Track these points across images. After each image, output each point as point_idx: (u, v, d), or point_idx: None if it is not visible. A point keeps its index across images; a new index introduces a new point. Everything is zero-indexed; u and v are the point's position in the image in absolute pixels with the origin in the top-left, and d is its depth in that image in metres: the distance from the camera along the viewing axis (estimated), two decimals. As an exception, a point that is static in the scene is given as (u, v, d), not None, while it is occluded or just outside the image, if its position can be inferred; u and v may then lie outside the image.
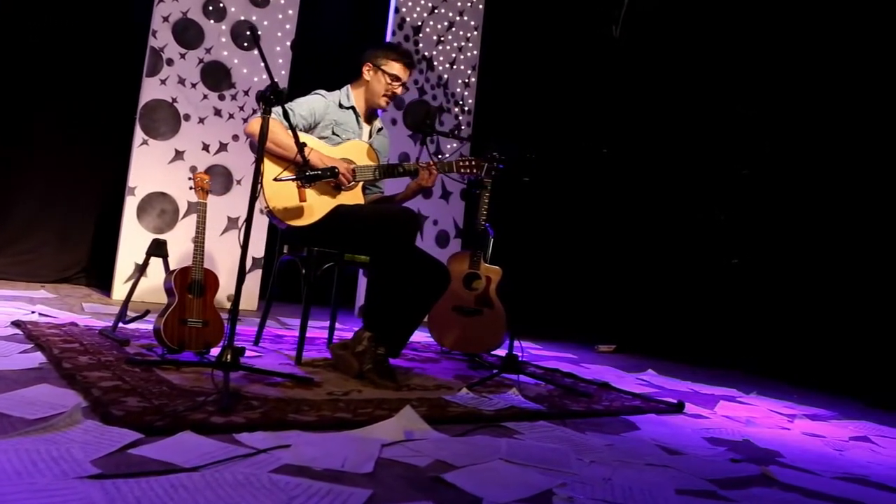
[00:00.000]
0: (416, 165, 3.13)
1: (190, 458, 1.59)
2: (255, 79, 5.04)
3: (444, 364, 3.57)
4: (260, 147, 2.38)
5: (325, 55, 5.60)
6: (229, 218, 4.94)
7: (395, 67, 3.22)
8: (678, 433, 2.63)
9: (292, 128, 2.55)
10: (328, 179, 2.86)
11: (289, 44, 5.18)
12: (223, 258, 4.90)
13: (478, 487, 1.64)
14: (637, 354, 5.26)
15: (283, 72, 5.15)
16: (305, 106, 3.11)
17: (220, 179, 4.91)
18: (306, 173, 2.72)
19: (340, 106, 3.21)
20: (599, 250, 6.45)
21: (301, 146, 2.57)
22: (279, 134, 2.88)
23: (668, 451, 2.30)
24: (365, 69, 3.25)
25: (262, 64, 2.49)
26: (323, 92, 3.22)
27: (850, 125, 4.88)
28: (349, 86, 3.29)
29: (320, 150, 3.00)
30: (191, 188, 2.77)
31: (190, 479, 1.47)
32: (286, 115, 2.53)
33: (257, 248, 5.06)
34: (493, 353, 3.92)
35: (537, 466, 1.88)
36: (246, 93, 5.00)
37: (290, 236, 3.14)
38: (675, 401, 3.16)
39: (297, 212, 2.93)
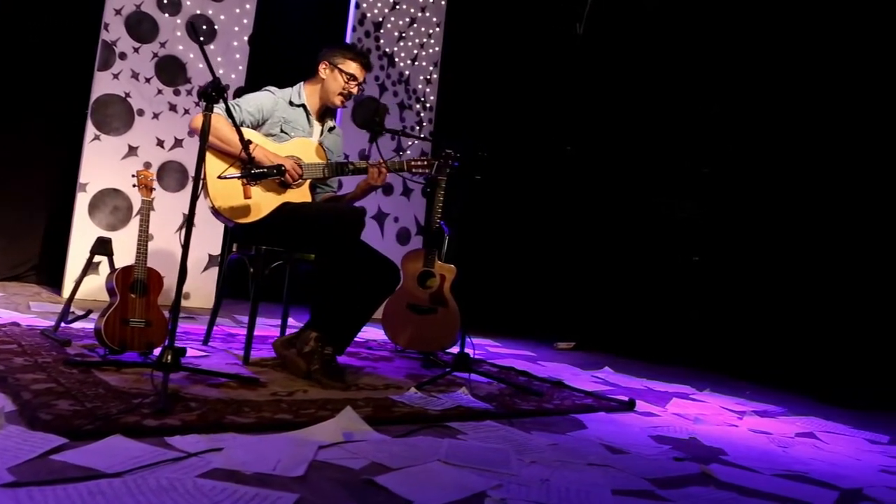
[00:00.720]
0: (366, 164, 3.10)
1: (115, 464, 1.55)
2: (212, 74, 4.96)
3: (397, 363, 3.55)
4: (201, 145, 2.34)
5: (285, 51, 5.54)
6: (184, 215, 4.87)
7: (352, 67, 3.19)
8: (625, 432, 2.64)
9: (236, 125, 2.51)
10: (274, 177, 2.82)
11: (246, 39, 5.11)
12: (178, 256, 4.83)
13: (409, 490, 1.63)
14: (596, 352, 5.28)
15: (240, 67, 5.09)
16: (253, 102, 3.07)
17: (175, 176, 4.84)
18: (251, 171, 2.68)
19: (291, 104, 3.18)
20: (562, 247, 6.47)
21: (246, 143, 2.53)
22: (224, 130, 2.83)
23: (613, 450, 2.31)
24: (321, 67, 3.22)
25: (204, 59, 2.42)
26: (273, 88, 3.18)
27: (809, 125, 4.95)
28: (302, 83, 3.26)
29: (267, 148, 2.96)
30: (134, 186, 2.71)
31: (111, 485, 1.43)
32: (229, 112, 2.49)
33: (214, 245, 5.00)
34: (449, 351, 3.91)
35: (475, 468, 1.87)
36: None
37: (238, 234, 3.10)
38: (626, 399, 3.18)
39: (243, 209, 2.89)
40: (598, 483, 1.88)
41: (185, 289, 4.94)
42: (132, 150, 4.69)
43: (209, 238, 4.92)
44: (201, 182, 2.86)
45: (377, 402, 2.50)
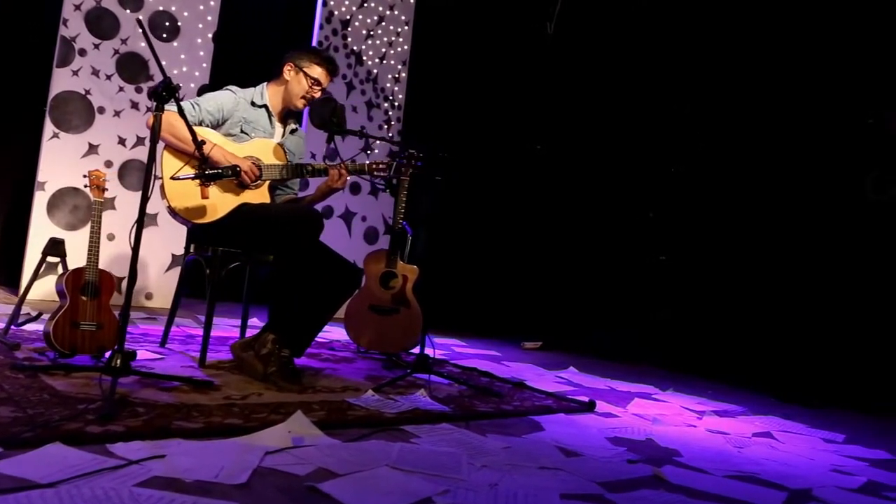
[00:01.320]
0: (326, 165, 3.08)
1: (50, 473, 1.52)
2: (175, 71, 4.90)
3: (358, 364, 3.53)
4: (151, 146, 2.30)
5: (250, 48, 5.48)
6: (147, 214, 4.79)
7: (318, 71, 3.17)
8: (582, 433, 2.64)
9: (188, 124, 2.47)
10: (230, 178, 2.79)
11: (210, 36, 5.05)
12: (142, 256, 4.76)
13: (353, 497, 1.61)
14: (562, 351, 5.30)
15: (204, 65, 5.03)
16: (213, 101, 3.03)
17: (137, 175, 4.77)
18: (205, 171, 2.64)
19: (253, 104, 3.14)
20: (530, 246, 6.48)
21: (199, 143, 2.49)
22: (182, 129, 2.79)
23: (567, 452, 2.31)
24: (286, 68, 3.19)
25: (154, 57, 2.38)
26: (234, 88, 3.14)
27: (775, 129, 5.00)
28: (265, 84, 3.23)
29: (225, 148, 2.93)
30: (86, 186, 2.66)
31: (42, 496, 1.40)
32: (181, 112, 2.45)
33: (178, 244, 4.93)
34: (413, 352, 3.89)
35: (424, 472, 1.86)
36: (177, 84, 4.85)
37: (195, 235, 3.06)
38: (586, 400, 3.18)
39: (200, 210, 2.86)
40: (546, 487, 1.88)
41: (149, 289, 4.88)
42: (93, 149, 4.62)
43: (173, 237, 4.86)
44: (159, 182, 2.85)
45: (332, 405, 2.48)
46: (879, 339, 4.35)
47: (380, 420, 2.37)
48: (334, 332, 4.37)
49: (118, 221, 4.67)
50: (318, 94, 3.15)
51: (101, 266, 2.64)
